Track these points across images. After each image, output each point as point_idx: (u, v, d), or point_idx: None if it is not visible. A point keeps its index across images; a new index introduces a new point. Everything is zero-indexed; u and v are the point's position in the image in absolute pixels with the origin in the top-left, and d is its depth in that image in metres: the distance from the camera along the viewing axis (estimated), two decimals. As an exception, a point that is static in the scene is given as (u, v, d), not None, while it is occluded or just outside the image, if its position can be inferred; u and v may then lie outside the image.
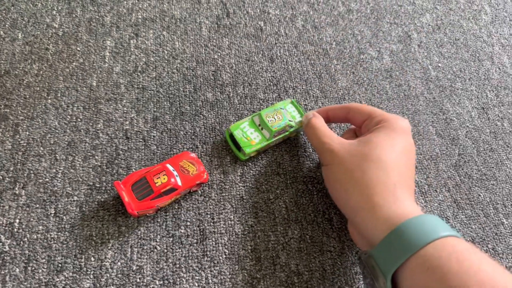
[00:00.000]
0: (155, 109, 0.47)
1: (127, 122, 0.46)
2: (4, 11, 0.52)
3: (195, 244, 0.40)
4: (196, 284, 0.37)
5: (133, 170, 0.43)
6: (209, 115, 0.48)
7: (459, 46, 0.63)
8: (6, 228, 0.38)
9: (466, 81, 0.59)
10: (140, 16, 0.55)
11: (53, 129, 0.44)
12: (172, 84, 0.50)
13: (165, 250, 0.39)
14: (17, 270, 0.36)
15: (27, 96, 0.46)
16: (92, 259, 0.37)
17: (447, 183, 0.49)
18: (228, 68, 0.53)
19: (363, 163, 0.35)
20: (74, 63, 0.49)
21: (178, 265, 0.38)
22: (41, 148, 0.43)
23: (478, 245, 0.45)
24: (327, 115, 0.44)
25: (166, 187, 0.38)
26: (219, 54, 0.54)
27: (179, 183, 0.39)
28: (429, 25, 0.65)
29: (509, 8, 0.71)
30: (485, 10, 0.70)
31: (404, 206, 0.33)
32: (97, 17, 0.54)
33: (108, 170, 0.42)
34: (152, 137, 0.45)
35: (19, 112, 0.45)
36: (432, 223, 0.30)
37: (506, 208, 0.48)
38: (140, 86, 0.49)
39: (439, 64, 0.60)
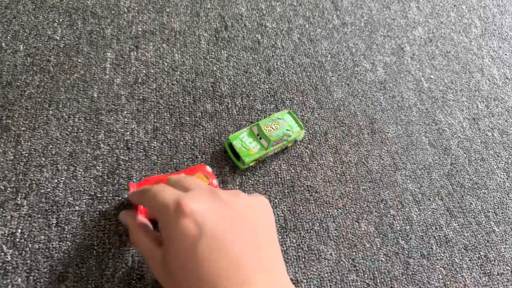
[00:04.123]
0: (155, 120, 0.48)
1: (128, 133, 0.47)
2: (6, 23, 0.53)
3: (195, 253, 0.40)
4: (196, 293, 0.38)
5: (134, 180, 0.43)
6: (208, 126, 0.49)
7: (450, 59, 0.65)
8: (8, 238, 0.38)
9: (458, 93, 0.61)
10: (140, 29, 0.56)
11: (55, 139, 0.45)
12: (172, 95, 0.51)
13: (166, 259, 0.39)
14: (19, 279, 0.36)
15: (29, 107, 0.47)
16: (94, 268, 0.38)
17: (440, 192, 0.50)
18: (226, 79, 0.54)
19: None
20: (75, 75, 0.50)
21: (178, 274, 0.39)
22: (43, 159, 0.43)
23: (470, 252, 0.46)
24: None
25: None
26: (218, 66, 0.55)
27: None
28: (421, 38, 0.67)
29: (498, 21, 0.74)
30: (475, 23, 0.72)
31: None
32: (97, 29, 0.55)
33: (109, 180, 0.43)
34: (153, 147, 0.46)
35: (21, 123, 0.45)
36: None
37: (497, 216, 0.50)
38: (141, 97, 0.50)
39: (431, 76, 0.62)
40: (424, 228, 0.47)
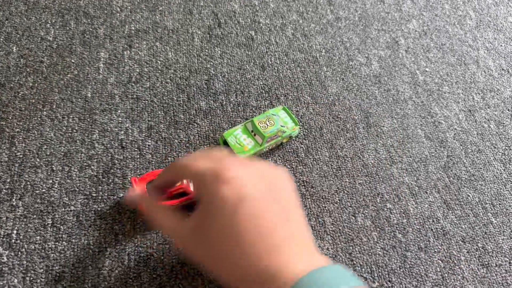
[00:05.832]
0: (149, 119, 0.48)
1: (122, 132, 0.47)
2: (-2, 25, 0.53)
3: (191, 250, 0.40)
4: (193, 290, 0.38)
5: (129, 179, 0.43)
6: (203, 123, 0.49)
7: (445, 51, 0.65)
8: (4, 239, 0.38)
9: (453, 85, 0.61)
10: (133, 28, 0.56)
11: (49, 140, 0.45)
12: (166, 93, 0.51)
13: (162, 257, 0.39)
14: (16, 280, 0.36)
15: (23, 109, 0.47)
16: (90, 268, 0.38)
17: (437, 185, 0.50)
18: (220, 76, 0.54)
19: (207, 257, 0.30)
20: (68, 75, 0.50)
21: (175, 272, 0.39)
22: (38, 160, 0.43)
23: (468, 244, 0.46)
24: (160, 186, 0.36)
25: (178, 190, 0.39)
26: (212, 63, 0.55)
27: (192, 188, 0.40)
28: (415, 31, 0.67)
29: (493, 12, 0.74)
30: (469, 15, 0.72)
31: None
32: (90, 29, 0.55)
33: (104, 179, 0.43)
34: (147, 146, 0.46)
35: (15, 124, 0.45)
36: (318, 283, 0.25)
37: (495, 207, 0.50)
38: (135, 96, 0.50)
39: (427, 69, 0.62)
40: (421, 221, 0.47)
